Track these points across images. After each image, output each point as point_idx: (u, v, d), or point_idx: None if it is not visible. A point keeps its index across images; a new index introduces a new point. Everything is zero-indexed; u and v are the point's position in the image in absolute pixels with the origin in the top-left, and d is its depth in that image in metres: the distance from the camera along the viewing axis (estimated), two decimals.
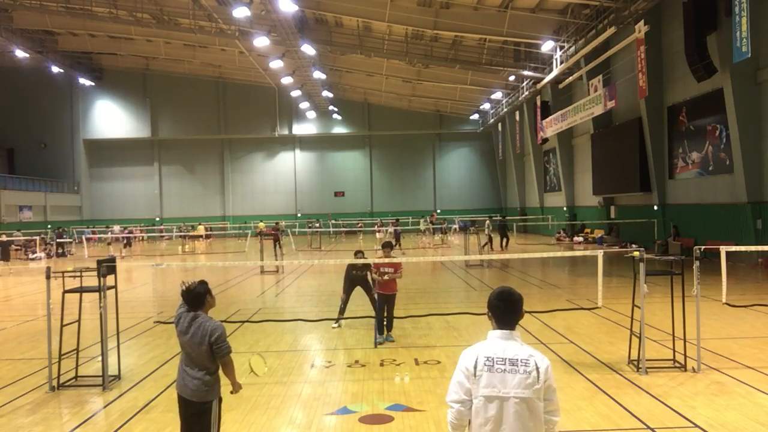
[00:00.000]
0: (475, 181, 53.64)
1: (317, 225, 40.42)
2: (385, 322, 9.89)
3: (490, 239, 27.09)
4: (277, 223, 36.39)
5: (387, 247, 10.48)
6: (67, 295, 7.56)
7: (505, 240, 28.52)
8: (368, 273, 10.67)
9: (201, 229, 42.83)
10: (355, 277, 10.94)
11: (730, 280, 13.22)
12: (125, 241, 32.91)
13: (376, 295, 10.11)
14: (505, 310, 3.10)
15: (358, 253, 10.88)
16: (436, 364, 8.33)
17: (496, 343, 3.06)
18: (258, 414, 6.54)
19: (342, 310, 10.99)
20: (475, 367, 2.99)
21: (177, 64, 47.65)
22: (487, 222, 28.54)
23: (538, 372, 2.98)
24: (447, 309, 11.73)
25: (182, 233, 41.15)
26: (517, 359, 2.99)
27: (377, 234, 34.13)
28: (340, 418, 6.36)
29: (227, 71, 48.69)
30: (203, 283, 4.73)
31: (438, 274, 19.95)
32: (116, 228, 38.54)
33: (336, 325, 10.93)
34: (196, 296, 4.64)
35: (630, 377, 7.48)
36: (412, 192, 53.22)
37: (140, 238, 43.77)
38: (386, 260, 9.95)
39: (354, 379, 7.74)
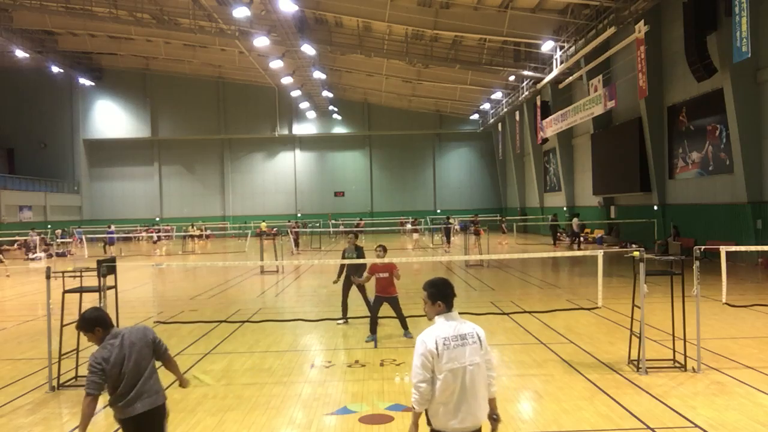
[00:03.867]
0: (475, 181, 53.65)
1: (317, 225, 40.48)
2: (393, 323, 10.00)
3: (576, 235, 28.47)
4: (296, 223, 36.56)
5: (380, 249, 10.37)
6: (67, 295, 7.56)
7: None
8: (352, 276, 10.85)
9: (190, 229, 42.76)
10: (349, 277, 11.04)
11: (730, 280, 13.23)
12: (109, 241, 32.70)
13: (370, 297, 10.18)
14: (438, 292, 3.72)
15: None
16: None
17: (444, 325, 3.65)
18: (258, 414, 6.54)
19: (344, 309, 11.06)
20: (436, 349, 3.54)
21: (177, 64, 47.66)
22: (575, 220, 28.90)
23: (480, 341, 3.66)
24: None
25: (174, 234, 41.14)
26: (465, 334, 3.64)
27: (414, 234, 34.40)
28: (340, 418, 6.36)
29: (227, 71, 48.69)
30: (97, 309, 4.41)
31: (438, 275, 19.92)
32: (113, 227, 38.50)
33: (342, 321, 11.00)
34: (94, 320, 4.23)
35: (630, 377, 7.48)
36: (412, 192, 53.24)
37: (138, 238, 43.75)
38: (378, 262, 10.00)
39: (354, 379, 7.74)
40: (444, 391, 3.54)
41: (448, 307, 3.71)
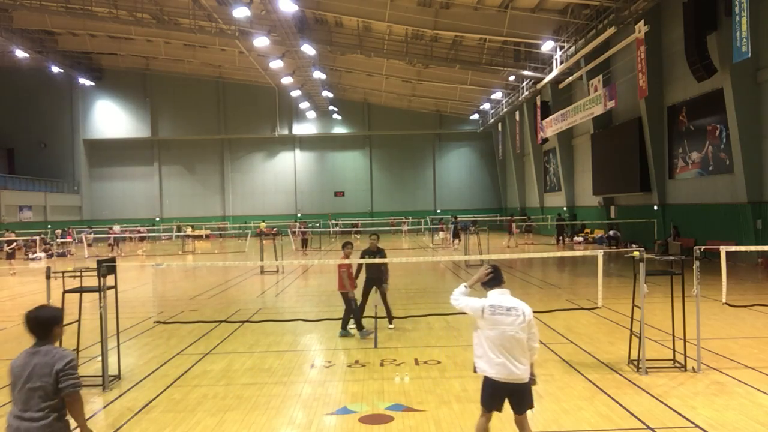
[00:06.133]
0: (475, 181, 53.65)
1: (317, 225, 40.51)
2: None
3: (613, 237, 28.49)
4: (304, 223, 36.59)
5: (347, 247, 10.34)
6: (67, 295, 7.56)
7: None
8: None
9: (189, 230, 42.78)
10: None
11: (730, 280, 13.21)
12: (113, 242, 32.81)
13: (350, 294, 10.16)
14: (495, 273, 4.93)
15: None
16: (436, 364, 8.33)
17: (497, 296, 4.83)
18: (258, 414, 6.54)
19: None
20: (483, 311, 4.74)
21: (177, 64, 47.65)
22: (616, 233, 28.90)
23: (524, 315, 4.68)
24: (447, 309, 11.66)
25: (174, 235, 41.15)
26: (511, 307, 4.72)
27: (440, 233, 34.80)
28: (340, 418, 6.36)
29: (227, 71, 48.68)
30: (55, 309, 3.97)
31: (438, 274, 19.95)
32: (116, 228, 38.53)
33: (391, 326, 10.78)
34: (44, 322, 3.81)
35: (630, 377, 7.48)
36: (412, 192, 53.23)
37: (138, 238, 43.71)
38: (347, 261, 10.06)
39: (354, 379, 7.74)
40: (487, 341, 4.69)
41: (497, 285, 4.90)
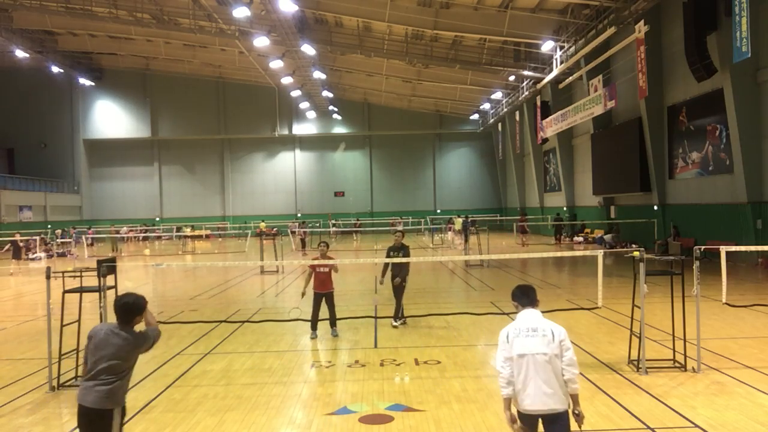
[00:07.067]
0: (475, 181, 53.65)
1: (317, 225, 40.56)
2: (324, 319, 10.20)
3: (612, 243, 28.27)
4: (304, 223, 36.71)
5: (323, 245, 10.56)
6: (67, 295, 7.56)
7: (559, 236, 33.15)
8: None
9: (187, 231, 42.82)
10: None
11: (730, 280, 13.20)
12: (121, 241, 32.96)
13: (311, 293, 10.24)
14: (523, 293, 4.43)
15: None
16: (436, 364, 8.33)
17: (522, 319, 4.30)
18: (258, 414, 6.54)
19: (399, 309, 11.00)
20: (507, 337, 4.22)
21: (177, 64, 47.65)
22: (615, 237, 28.56)
23: (553, 335, 4.15)
24: (447, 309, 11.73)
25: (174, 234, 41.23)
26: (537, 327, 4.20)
27: (448, 233, 34.75)
28: (340, 418, 6.36)
29: (227, 71, 48.68)
30: (137, 297, 4.55)
31: (438, 274, 19.94)
32: (124, 229, 38.67)
33: (399, 322, 10.97)
34: (125, 307, 4.46)
35: (630, 377, 7.48)
36: (412, 192, 53.22)
37: (138, 238, 43.75)
38: (322, 261, 10.17)
39: (354, 379, 7.74)
40: (516, 375, 4.15)
41: (526, 304, 4.38)
